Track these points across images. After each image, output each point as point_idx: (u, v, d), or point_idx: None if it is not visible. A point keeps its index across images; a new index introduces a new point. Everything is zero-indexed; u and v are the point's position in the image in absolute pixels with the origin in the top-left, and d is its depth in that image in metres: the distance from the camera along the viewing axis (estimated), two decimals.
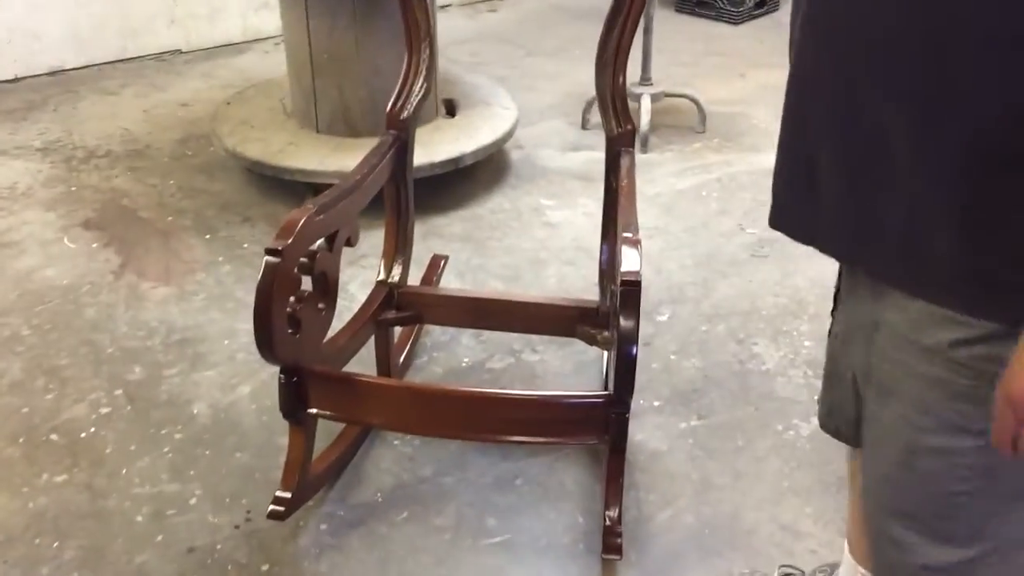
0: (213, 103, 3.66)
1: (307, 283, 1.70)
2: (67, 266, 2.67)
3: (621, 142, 1.95)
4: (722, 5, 4.58)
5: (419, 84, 2.01)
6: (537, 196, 3.05)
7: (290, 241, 1.58)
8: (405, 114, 2.01)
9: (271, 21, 4.34)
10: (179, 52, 4.21)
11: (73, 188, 3.08)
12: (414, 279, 2.39)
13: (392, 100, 2.01)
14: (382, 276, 2.08)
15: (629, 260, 1.55)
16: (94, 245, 2.77)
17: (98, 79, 3.93)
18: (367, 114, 2.95)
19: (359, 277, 2.57)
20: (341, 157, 2.85)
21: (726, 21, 4.58)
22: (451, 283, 2.58)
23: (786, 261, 2.68)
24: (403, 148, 2.02)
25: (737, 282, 2.60)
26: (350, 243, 1.85)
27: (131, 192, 3.06)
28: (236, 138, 2.97)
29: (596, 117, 3.51)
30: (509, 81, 3.91)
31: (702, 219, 2.91)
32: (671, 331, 2.40)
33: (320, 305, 1.74)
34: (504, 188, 3.10)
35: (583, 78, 3.98)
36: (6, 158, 3.27)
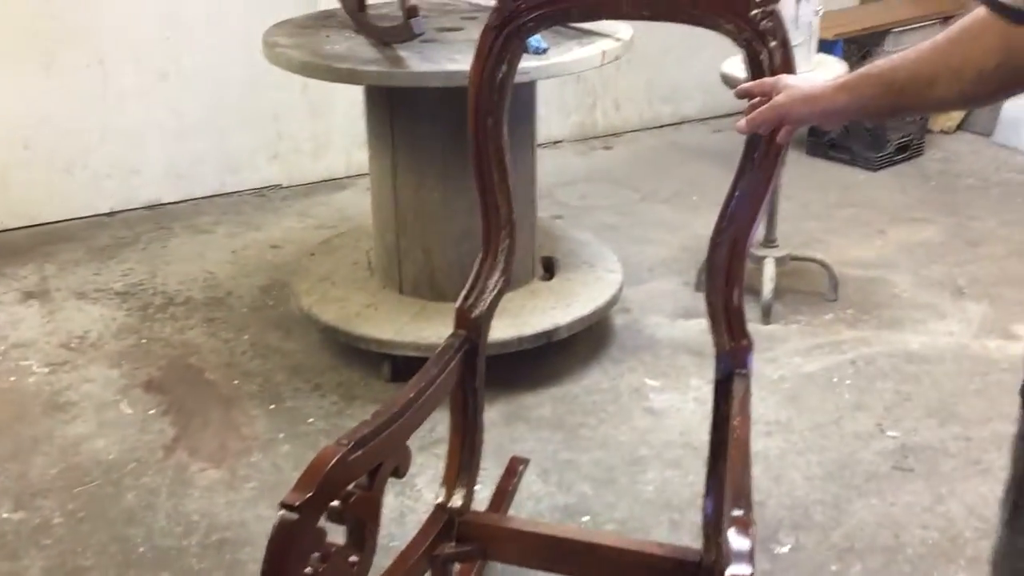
0: (304, 245, 3.48)
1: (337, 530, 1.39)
2: (118, 436, 2.45)
3: (733, 361, 1.59)
4: (859, 149, 4.19)
5: (495, 279, 1.71)
6: (641, 374, 2.69)
7: (311, 494, 1.27)
8: (477, 312, 1.70)
9: None
10: (279, 187, 4.08)
11: (143, 340, 2.89)
12: (491, 477, 2.06)
13: (462, 296, 1.71)
14: (441, 499, 1.75)
15: (738, 552, 1.18)
16: (151, 411, 2.55)
17: (193, 215, 3.81)
18: (454, 277, 2.67)
19: (429, 469, 2.25)
20: (421, 326, 2.57)
21: (863, 167, 4.18)
22: (534, 482, 2.24)
23: (937, 479, 2.23)
24: (473, 352, 1.71)
25: (876, 504, 2.16)
26: (398, 474, 1.54)
27: (202, 348, 2.85)
28: (314, 297, 2.73)
29: None
30: (619, 231, 3.61)
31: (833, 414, 2.49)
32: (794, 569, 1.97)
33: (353, 558, 1.42)
34: (604, 361, 2.75)
35: (702, 230, 3.66)
36: (85, 302, 3.12)
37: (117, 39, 3.62)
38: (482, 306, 1.71)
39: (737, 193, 1.59)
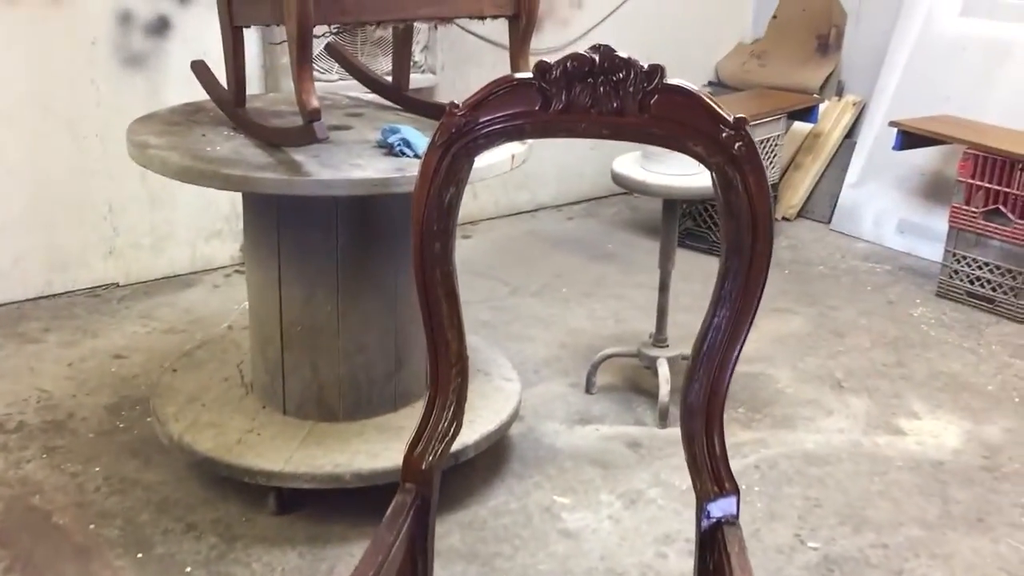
0: (152, 354, 3.14)
1: None
2: None
3: (720, 509, 1.47)
4: (716, 238, 4.27)
5: (446, 423, 1.53)
6: (549, 491, 2.53)
7: None
8: (428, 461, 1.51)
9: (223, 250, 3.89)
10: (116, 286, 3.69)
11: None
12: None
13: (409, 442, 1.51)
14: None
15: None
16: None
17: (17, 321, 3.37)
18: (345, 395, 2.45)
19: None
20: (312, 452, 2.32)
21: (716, 254, 4.25)
22: None
23: None
24: (425, 508, 1.50)
25: None
26: None
27: (45, 485, 2.46)
28: (184, 423, 2.42)
29: (601, 380, 3.08)
30: (496, 328, 3.47)
31: (750, 526, 2.42)
32: None
33: None
34: (507, 477, 2.58)
35: (576, 324, 3.58)
36: None
37: None
38: (434, 454, 1.51)
39: (714, 324, 1.48)
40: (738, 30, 5.34)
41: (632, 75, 1.45)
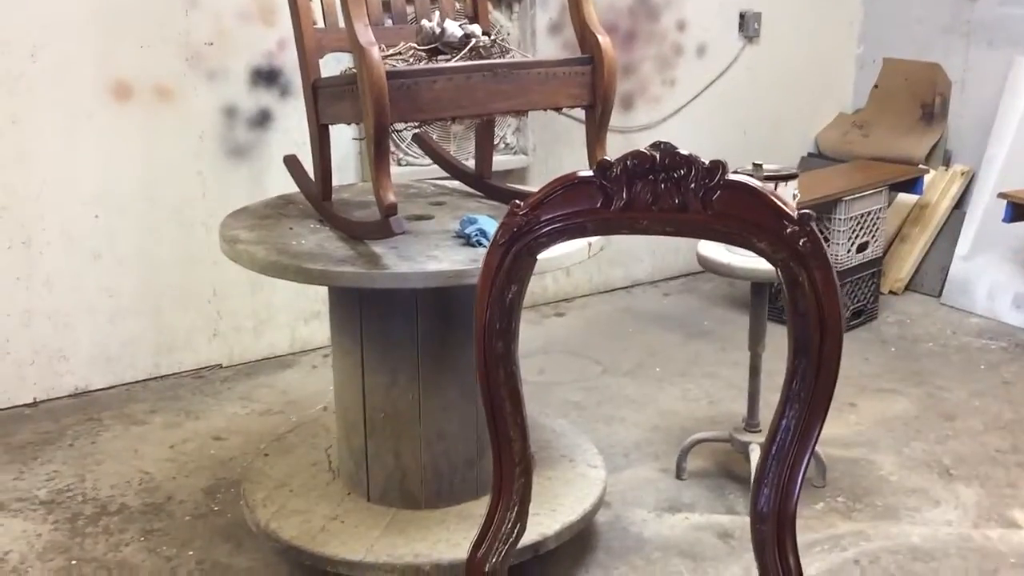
0: (250, 436, 3.22)
1: None
2: None
3: None
4: None
5: (510, 524, 1.51)
6: None
7: None
8: (491, 564, 1.49)
9: (321, 331, 3.98)
10: (219, 367, 3.82)
11: (73, 562, 2.56)
12: None
13: (472, 544, 1.50)
14: None
15: None
16: None
17: (125, 402, 3.52)
18: (427, 482, 2.45)
19: None
20: (394, 540, 2.32)
21: None
22: None
23: None
24: None
25: None
26: None
27: (140, 569, 2.53)
28: (271, 508, 2.46)
29: (692, 464, 3.01)
30: (585, 410, 3.44)
31: None
32: None
33: None
34: (591, 568, 2.53)
35: (670, 406, 3.52)
36: (4, 515, 2.78)
37: (44, 219, 3.39)
38: (497, 556, 1.49)
39: (783, 425, 1.43)
40: (839, 100, 5.24)
41: (693, 172, 1.44)
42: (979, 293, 4.37)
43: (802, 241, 1.39)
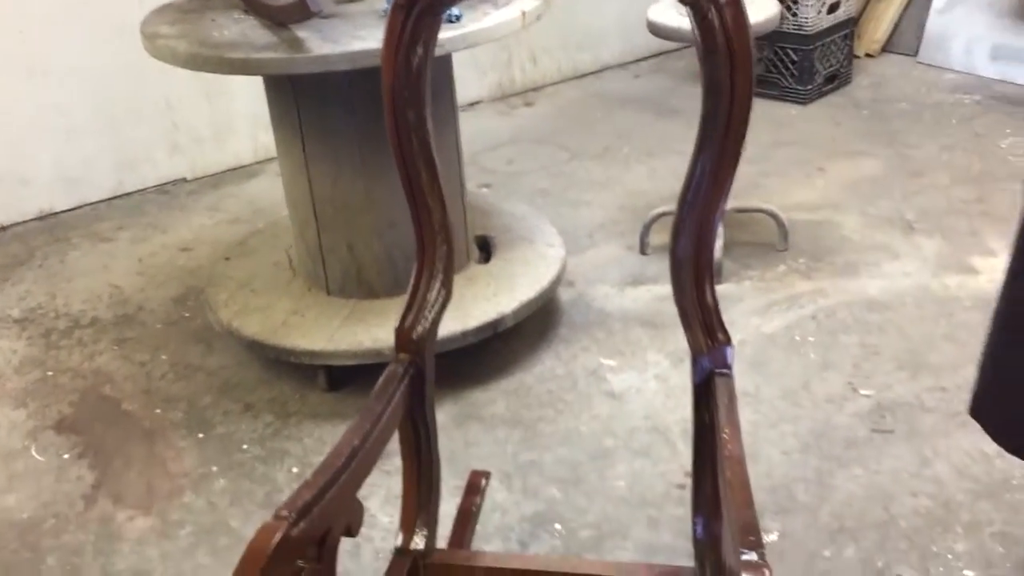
0: (217, 245, 3.22)
1: None
2: (31, 489, 2.20)
3: (713, 362, 1.42)
4: (787, 83, 4.05)
5: (435, 292, 1.51)
6: (596, 354, 2.52)
7: None
8: (419, 331, 1.50)
9: None
10: (183, 181, 3.78)
11: (50, 373, 2.63)
12: (448, 489, 1.87)
13: (400, 315, 1.51)
14: (400, 543, 1.56)
15: None
16: (65, 456, 2.30)
17: (92, 221, 3.51)
18: (383, 272, 2.47)
19: (380, 490, 2.06)
20: (354, 329, 2.36)
21: (793, 100, 4.05)
22: (497, 490, 2.06)
23: (919, 439, 2.12)
24: (419, 377, 1.51)
25: (861, 475, 2.04)
26: (350, 533, 1.34)
27: (115, 375, 2.60)
28: (234, 308, 2.50)
29: (656, 239, 3.01)
30: (552, 195, 3.42)
31: (801, 378, 2.36)
32: (784, 560, 1.84)
33: None
34: (554, 343, 2.58)
35: (637, 185, 3.49)
36: None
37: None
38: (424, 324, 1.51)
39: (698, 171, 1.40)
40: None
41: None
42: (956, 48, 4.24)
43: None
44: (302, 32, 2.10)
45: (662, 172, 3.53)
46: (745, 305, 2.67)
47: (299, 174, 2.40)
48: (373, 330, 2.35)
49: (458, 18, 2.12)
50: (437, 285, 1.52)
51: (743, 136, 1.38)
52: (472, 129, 3.88)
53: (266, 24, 2.19)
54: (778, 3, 2.81)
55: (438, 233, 1.51)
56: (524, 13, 2.17)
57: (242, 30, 2.18)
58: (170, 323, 2.83)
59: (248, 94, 3.75)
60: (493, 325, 2.37)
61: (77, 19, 3.40)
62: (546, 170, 3.65)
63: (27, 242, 3.39)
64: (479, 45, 2.14)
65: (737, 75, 1.34)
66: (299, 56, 1.98)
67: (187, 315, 2.86)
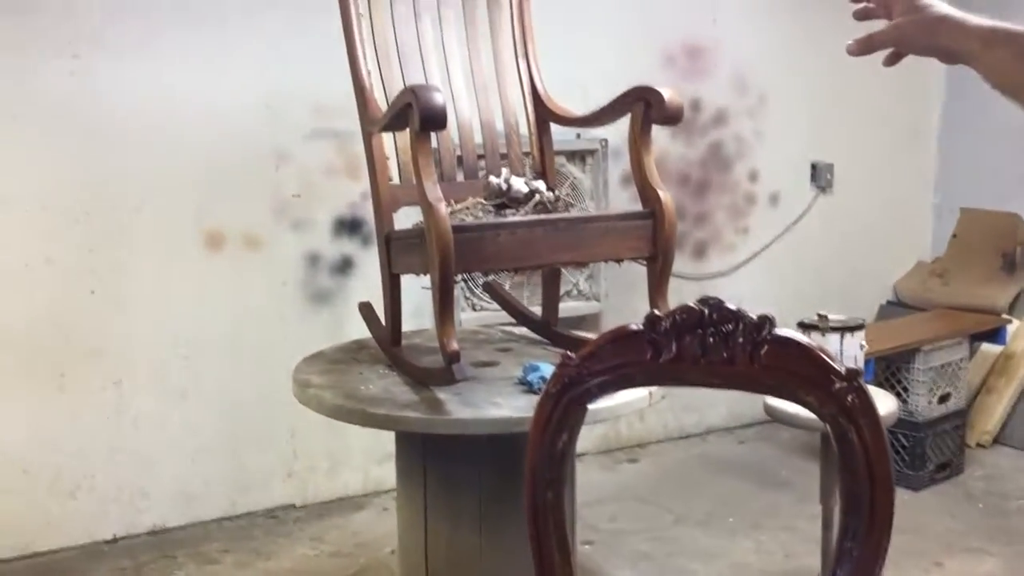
0: None
1: None
2: None
3: None
4: (898, 467, 4.02)
5: None
6: None
7: None
8: None
9: (393, 473, 4.00)
10: (292, 507, 3.87)
11: None
12: None
13: None
14: None
15: None
16: None
17: (200, 541, 3.58)
18: None
19: None
20: None
21: (903, 485, 3.99)
22: None
23: None
24: None
25: None
26: None
27: None
28: None
29: None
30: (654, 560, 3.37)
31: None
32: None
33: None
34: None
35: (743, 558, 3.42)
36: None
37: (136, 361, 3.56)
38: None
39: None
40: (917, 249, 5.22)
41: (741, 326, 1.47)
42: None
43: (850, 397, 1.40)
44: (441, 393, 2.24)
45: (770, 547, 3.46)
46: None
47: (416, 524, 2.45)
48: None
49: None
50: None
51: (884, 555, 1.40)
52: (577, 481, 3.92)
53: (408, 382, 2.35)
54: (893, 397, 2.88)
55: None
56: (651, 393, 2.28)
57: (386, 386, 2.34)
58: None
59: (366, 428, 3.92)
60: None
61: (231, 351, 3.69)
62: (649, 533, 3.62)
63: (135, 557, 3.45)
64: (605, 421, 2.24)
65: (877, 493, 1.38)
66: (438, 418, 2.10)
67: None
